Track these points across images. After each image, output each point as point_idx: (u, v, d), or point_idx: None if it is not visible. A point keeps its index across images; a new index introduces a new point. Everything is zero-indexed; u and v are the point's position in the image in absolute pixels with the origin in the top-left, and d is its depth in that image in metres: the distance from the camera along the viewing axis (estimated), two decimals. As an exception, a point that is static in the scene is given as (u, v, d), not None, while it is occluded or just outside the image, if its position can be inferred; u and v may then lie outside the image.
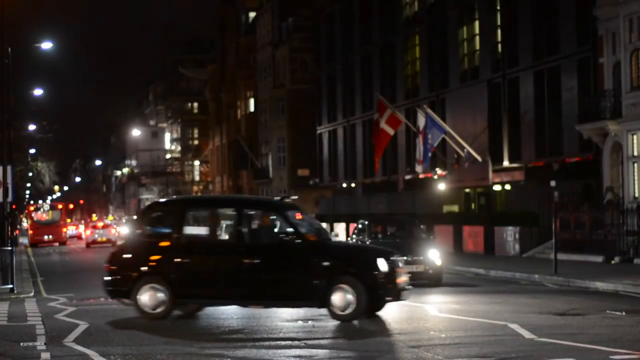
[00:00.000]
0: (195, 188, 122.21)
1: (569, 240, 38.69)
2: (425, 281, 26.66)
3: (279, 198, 22.84)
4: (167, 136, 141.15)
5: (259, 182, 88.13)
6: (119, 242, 77.59)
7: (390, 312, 19.18)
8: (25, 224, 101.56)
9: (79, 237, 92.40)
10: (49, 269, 41.16)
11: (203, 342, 16.19)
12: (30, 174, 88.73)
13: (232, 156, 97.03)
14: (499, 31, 50.39)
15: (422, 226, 31.37)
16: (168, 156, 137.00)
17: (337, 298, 18.28)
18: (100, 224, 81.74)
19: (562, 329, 16.98)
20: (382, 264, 18.48)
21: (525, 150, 47.62)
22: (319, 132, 75.89)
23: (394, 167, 62.01)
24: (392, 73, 62.69)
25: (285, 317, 19.38)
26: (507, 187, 50.05)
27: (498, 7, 50.41)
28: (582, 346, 14.82)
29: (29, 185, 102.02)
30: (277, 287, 18.82)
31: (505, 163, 49.19)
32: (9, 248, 30.24)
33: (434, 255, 27.22)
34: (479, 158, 48.91)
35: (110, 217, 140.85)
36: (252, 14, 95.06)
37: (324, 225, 44.26)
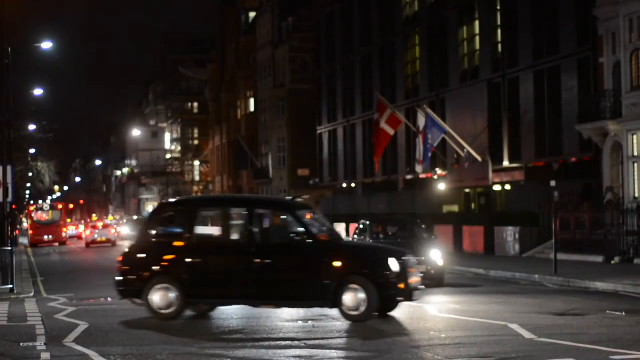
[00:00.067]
0: (195, 188, 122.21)
1: (569, 240, 38.69)
2: (427, 281, 26.56)
3: (290, 198, 22.76)
4: (167, 136, 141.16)
5: (259, 182, 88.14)
6: (121, 242, 77.84)
7: (391, 312, 19.15)
8: (25, 224, 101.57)
9: (79, 237, 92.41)
10: (49, 269, 41.17)
11: (203, 342, 16.19)
12: (30, 174, 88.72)
13: (232, 156, 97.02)
14: (499, 31, 50.39)
15: (423, 226, 31.37)
16: (168, 156, 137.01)
17: (348, 298, 18.22)
18: (100, 224, 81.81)
19: (562, 329, 16.98)
20: (394, 264, 18.41)
21: (525, 150, 47.62)
22: (319, 132, 75.90)
23: (394, 167, 62.02)
24: (392, 73, 62.70)
25: (285, 317, 19.38)
26: (507, 187, 50.04)
27: (498, 7, 50.42)
28: (582, 346, 14.82)
29: (29, 185, 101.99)
30: (288, 288, 18.76)
31: (505, 163, 49.19)
32: (9, 248, 30.25)
33: (436, 256, 27.17)
34: (479, 158, 48.91)
35: (111, 217, 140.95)
36: (252, 14, 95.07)
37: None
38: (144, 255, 19.75)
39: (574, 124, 41.83)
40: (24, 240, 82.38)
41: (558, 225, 33.86)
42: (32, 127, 75.84)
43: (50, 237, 78.09)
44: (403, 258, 18.75)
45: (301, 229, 18.86)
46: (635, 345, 14.83)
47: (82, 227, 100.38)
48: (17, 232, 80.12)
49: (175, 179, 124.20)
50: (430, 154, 50.15)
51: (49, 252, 62.29)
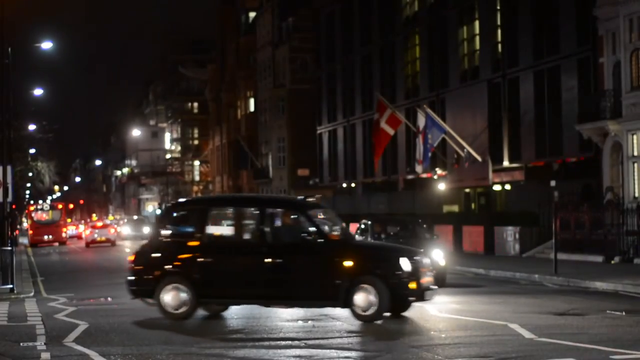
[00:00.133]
0: (195, 188, 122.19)
1: (569, 240, 38.69)
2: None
3: (302, 197, 22.75)
4: (167, 136, 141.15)
5: (259, 182, 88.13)
6: (121, 242, 77.86)
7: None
8: (25, 224, 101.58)
9: (79, 237, 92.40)
10: (49, 269, 41.16)
11: (203, 342, 16.19)
12: (30, 174, 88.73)
13: (232, 156, 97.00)
14: (499, 31, 50.39)
15: (424, 226, 31.37)
16: (168, 156, 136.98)
17: (359, 298, 18.15)
18: (99, 224, 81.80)
19: (562, 329, 16.98)
20: (405, 264, 18.32)
21: (525, 150, 47.62)
22: (319, 132, 75.90)
23: (394, 167, 62.01)
24: (392, 73, 62.70)
25: (285, 317, 19.38)
26: (507, 187, 50.05)
27: (498, 7, 50.42)
28: (582, 346, 14.83)
29: (29, 185, 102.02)
30: (300, 287, 18.70)
31: (505, 163, 49.19)
32: (9, 248, 30.26)
33: (438, 256, 27.10)
34: (479, 158, 48.91)
35: (111, 217, 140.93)
36: (252, 14, 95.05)
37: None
38: (156, 255, 19.70)
39: (574, 124, 41.83)
40: (24, 240, 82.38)
41: (558, 225, 33.86)
42: (32, 127, 75.87)
43: (50, 237, 78.08)
44: (415, 258, 18.65)
45: (312, 229, 18.77)
46: (635, 345, 14.83)
47: (82, 227, 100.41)
48: (17, 232, 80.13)
49: (175, 179, 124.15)
50: (430, 154, 50.15)
51: (48, 252, 62.28)
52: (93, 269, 42.02)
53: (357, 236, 29.45)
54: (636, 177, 38.49)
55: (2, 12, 32.06)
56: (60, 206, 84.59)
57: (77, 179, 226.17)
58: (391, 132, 53.58)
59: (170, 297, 19.15)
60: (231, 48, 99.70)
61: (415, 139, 52.45)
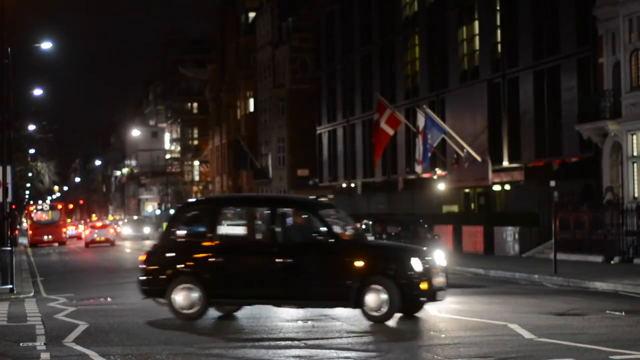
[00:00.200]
0: (195, 188, 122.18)
1: (569, 240, 38.70)
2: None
3: (314, 197, 22.63)
4: (167, 136, 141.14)
5: (258, 182, 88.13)
6: (121, 242, 77.93)
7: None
8: (25, 224, 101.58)
9: (78, 237, 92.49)
10: (49, 269, 41.18)
11: (203, 342, 16.20)
12: (30, 174, 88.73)
13: (232, 156, 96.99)
14: (499, 31, 50.38)
15: (426, 226, 31.34)
16: (168, 156, 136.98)
17: (370, 299, 18.09)
18: (98, 224, 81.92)
19: (561, 329, 16.99)
20: (417, 264, 18.26)
21: (525, 150, 47.61)
22: (318, 132, 75.89)
23: (394, 167, 62.00)
24: (392, 73, 62.69)
25: (285, 317, 19.38)
26: (507, 187, 50.05)
27: (498, 7, 50.41)
28: (582, 346, 14.83)
29: (28, 185, 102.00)
30: (311, 287, 18.64)
31: (505, 163, 49.19)
32: (9, 248, 30.25)
33: (439, 256, 27.05)
34: (478, 158, 48.91)
35: (110, 217, 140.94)
36: (252, 14, 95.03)
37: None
38: (167, 255, 19.67)
39: (574, 124, 41.83)
40: (23, 240, 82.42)
41: (558, 225, 33.88)
42: (32, 127, 75.85)
43: (50, 237, 78.14)
44: (427, 258, 18.59)
45: (324, 228, 18.71)
46: (635, 345, 14.84)
47: (81, 227, 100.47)
48: (17, 232, 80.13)
49: (174, 179, 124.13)
50: (429, 154, 50.15)
51: (48, 252, 62.31)
52: (93, 269, 42.04)
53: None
54: (636, 177, 38.49)
55: (2, 12, 32.06)
56: (60, 206, 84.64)
57: (77, 179, 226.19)
58: (391, 132, 53.58)
59: (181, 297, 19.11)
60: (231, 48, 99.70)
61: (415, 139, 52.45)
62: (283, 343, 15.98)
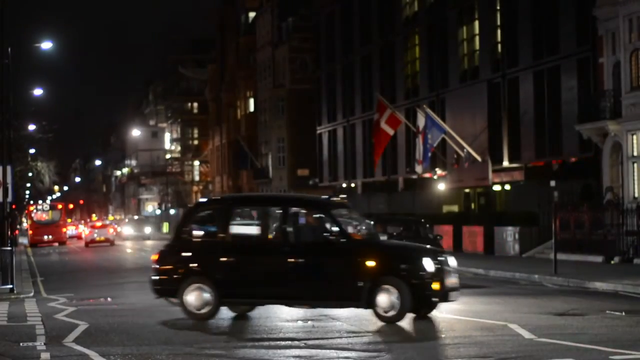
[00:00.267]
0: (195, 188, 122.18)
1: (569, 240, 38.70)
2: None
3: (326, 197, 22.50)
4: (167, 136, 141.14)
5: (258, 182, 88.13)
6: (121, 242, 77.94)
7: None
8: (25, 224, 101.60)
9: (78, 237, 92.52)
10: (49, 269, 41.18)
11: (202, 342, 16.20)
12: (30, 174, 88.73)
13: (231, 156, 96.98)
14: (499, 31, 50.39)
15: (427, 225, 31.31)
16: (168, 156, 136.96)
17: (382, 299, 18.00)
18: (98, 224, 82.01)
19: (561, 329, 16.99)
20: (429, 264, 18.15)
21: (525, 150, 47.62)
22: (318, 132, 75.89)
23: (394, 167, 62.00)
24: (392, 73, 62.69)
25: (285, 317, 19.38)
26: (507, 187, 50.06)
27: (498, 7, 50.41)
28: (582, 346, 14.83)
29: (29, 185, 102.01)
30: (322, 288, 18.57)
31: (505, 163, 49.19)
32: (9, 248, 30.25)
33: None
34: (478, 158, 48.92)
35: (111, 217, 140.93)
36: (252, 14, 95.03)
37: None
38: (179, 255, 19.64)
39: (574, 124, 41.83)
40: (23, 240, 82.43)
41: (558, 225, 33.87)
42: (32, 127, 75.83)
43: (50, 237, 78.17)
44: (439, 258, 18.48)
45: (335, 228, 18.64)
46: (635, 345, 14.84)
47: (82, 227, 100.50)
48: (17, 232, 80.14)
49: (175, 179, 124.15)
50: (430, 154, 50.16)
51: (48, 252, 62.32)
52: (93, 269, 42.04)
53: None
54: (636, 177, 38.50)
55: (2, 12, 32.07)
56: (60, 206, 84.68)
57: (77, 179, 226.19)
58: (391, 132, 53.59)
59: (193, 297, 19.05)
60: (231, 48, 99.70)
61: (415, 139, 52.45)
62: (283, 343, 15.98)
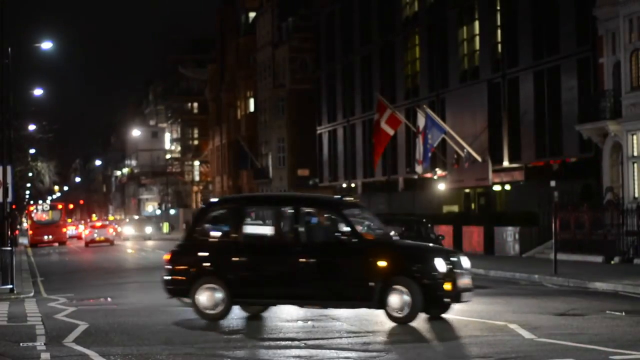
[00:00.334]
0: (195, 188, 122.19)
1: (569, 240, 38.69)
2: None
3: (338, 196, 22.35)
4: (167, 136, 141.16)
5: (259, 182, 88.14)
6: (122, 242, 77.94)
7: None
8: (25, 224, 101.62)
9: (78, 237, 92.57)
10: (49, 269, 41.18)
11: (203, 342, 16.19)
12: (30, 174, 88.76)
13: (232, 156, 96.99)
14: (499, 31, 50.39)
15: (429, 225, 31.26)
16: (168, 156, 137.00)
17: (393, 299, 17.91)
18: (98, 224, 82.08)
19: (562, 329, 16.99)
20: (440, 264, 18.05)
21: (525, 150, 47.62)
22: (318, 132, 75.89)
23: (394, 167, 62.01)
24: (392, 73, 62.69)
25: (285, 317, 19.38)
26: (507, 187, 50.06)
27: (498, 7, 50.42)
28: (582, 346, 14.83)
29: (29, 185, 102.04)
30: (334, 288, 18.50)
31: (505, 163, 49.20)
32: (9, 248, 30.25)
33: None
34: (478, 158, 48.92)
35: (111, 217, 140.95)
36: (252, 14, 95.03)
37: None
38: (190, 255, 19.63)
39: (574, 124, 41.84)
40: (23, 240, 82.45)
41: (558, 225, 33.86)
42: (32, 127, 75.86)
43: (50, 237, 78.19)
44: (452, 259, 18.40)
45: (347, 228, 18.58)
46: (635, 345, 14.83)
47: (81, 227, 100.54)
48: (17, 232, 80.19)
49: (175, 179, 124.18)
50: (430, 154, 50.15)
51: (48, 252, 62.31)
52: (93, 269, 42.03)
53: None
54: (636, 178, 38.50)
55: (2, 12, 32.07)
56: (60, 206, 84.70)
57: (77, 179, 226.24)
58: (391, 132, 53.58)
59: (205, 297, 19.02)
60: (231, 48, 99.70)
61: (415, 139, 52.45)
62: (283, 343, 15.98)
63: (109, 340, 16.54)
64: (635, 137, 38.46)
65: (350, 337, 16.62)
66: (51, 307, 23.07)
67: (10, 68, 42.44)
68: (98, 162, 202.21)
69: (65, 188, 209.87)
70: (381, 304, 18.04)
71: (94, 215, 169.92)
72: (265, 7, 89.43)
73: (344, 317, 19.01)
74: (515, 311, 20.05)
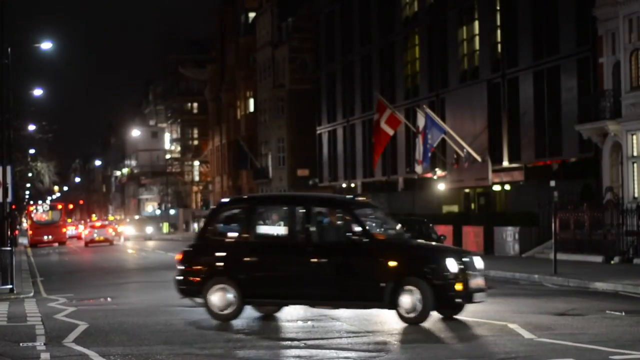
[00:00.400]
0: (195, 188, 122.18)
1: (569, 240, 38.68)
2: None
3: (350, 196, 22.31)
4: (167, 136, 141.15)
5: (258, 182, 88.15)
6: (122, 242, 77.92)
7: (391, 312, 19.10)
8: (25, 224, 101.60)
9: (78, 237, 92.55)
10: (49, 269, 41.18)
11: (203, 342, 16.19)
12: (30, 174, 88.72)
13: (232, 156, 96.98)
14: (498, 31, 50.38)
15: (431, 225, 31.23)
16: (168, 156, 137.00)
17: (405, 300, 17.86)
18: (98, 224, 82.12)
19: (562, 329, 16.99)
20: (452, 265, 17.98)
21: (525, 150, 47.61)
22: (318, 132, 75.88)
23: (394, 167, 62.00)
24: (392, 73, 62.68)
25: (285, 317, 19.38)
26: (507, 187, 50.05)
27: (498, 7, 50.41)
28: (582, 346, 14.83)
29: (28, 185, 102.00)
30: (345, 288, 18.44)
31: (505, 163, 49.19)
32: (9, 248, 30.24)
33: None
34: (478, 158, 48.92)
35: (111, 217, 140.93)
36: (251, 14, 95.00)
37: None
38: (202, 255, 19.63)
39: (574, 124, 41.82)
40: (23, 241, 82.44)
41: (558, 225, 33.86)
42: (32, 127, 75.82)
43: (50, 237, 78.18)
44: (464, 259, 18.33)
45: (358, 228, 18.54)
46: (634, 345, 14.84)
47: (81, 227, 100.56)
48: (17, 232, 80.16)
49: (174, 179, 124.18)
50: (429, 154, 50.14)
51: (48, 252, 62.31)
52: (93, 269, 42.03)
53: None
54: (636, 177, 38.50)
55: (2, 12, 32.05)
56: (60, 206, 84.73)
57: (77, 179, 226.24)
58: (391, 132, 53.56)
59: (216, 297, 18.98)
60: (231, 48, 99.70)
61: (415, 139, 52.44)
62: (283, 343, 15.98)
63: (108, 340, 16.54)
64: (635, 137, 38.46)
65: (350, 337, 16.62)
66: (51, 307, 23.07)
67: (10, 68, 42.42)
68: (98, 162, 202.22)
69: (65, 188, 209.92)
70: (392, 304, 17.98)
71: (93, 215, 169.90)
72: (265, 7, 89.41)
73: (344, 317, 19.01)
74: (515, 311, 20.05)
